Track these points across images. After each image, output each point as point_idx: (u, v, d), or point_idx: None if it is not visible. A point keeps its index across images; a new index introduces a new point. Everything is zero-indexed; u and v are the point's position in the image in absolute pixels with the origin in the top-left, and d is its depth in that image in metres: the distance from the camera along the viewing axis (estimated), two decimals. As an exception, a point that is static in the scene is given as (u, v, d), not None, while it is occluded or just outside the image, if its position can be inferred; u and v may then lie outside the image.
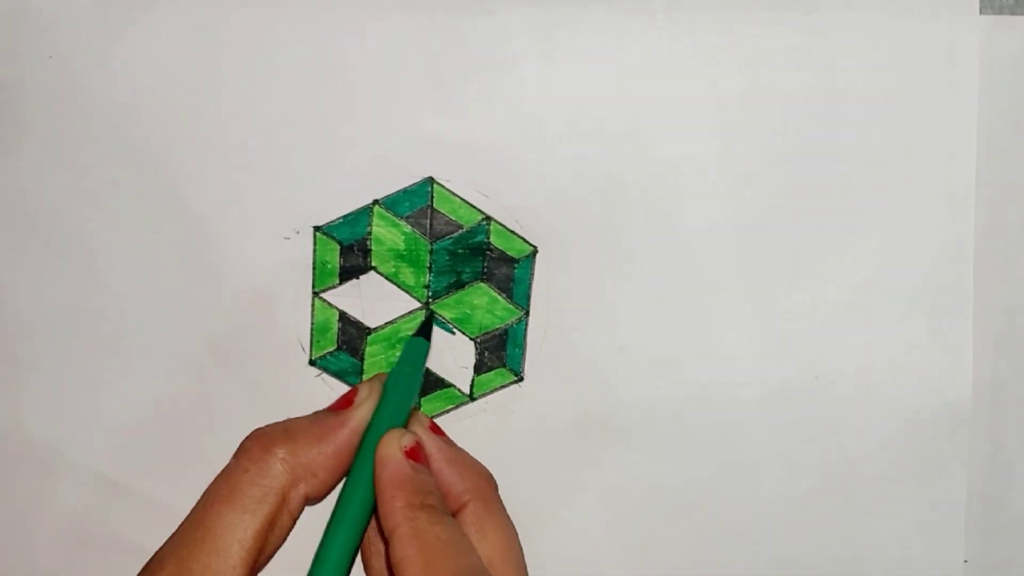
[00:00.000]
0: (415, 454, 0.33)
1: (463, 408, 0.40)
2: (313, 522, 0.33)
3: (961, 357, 0.39)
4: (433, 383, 0.40)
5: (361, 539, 0.33)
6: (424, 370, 0.38)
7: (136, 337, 0.40)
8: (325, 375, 0.40)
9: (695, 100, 0.38)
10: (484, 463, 0.36)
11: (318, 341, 0.40)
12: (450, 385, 0.40)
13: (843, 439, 0.39)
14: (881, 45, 0.38)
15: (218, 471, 0.33)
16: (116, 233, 0.39)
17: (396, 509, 0.31)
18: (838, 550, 0.39)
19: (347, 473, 0.34)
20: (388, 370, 0.39)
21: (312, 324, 0.39)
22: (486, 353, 0.39)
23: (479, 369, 0.40)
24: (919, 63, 0.38)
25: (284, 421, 0.34)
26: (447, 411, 0.40)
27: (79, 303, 0.40)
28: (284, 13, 0.38)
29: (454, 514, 0.34)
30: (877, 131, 0.38)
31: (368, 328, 0.40)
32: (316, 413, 0.35)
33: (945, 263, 0.39)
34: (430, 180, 0.39)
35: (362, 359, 0.40)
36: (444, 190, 0.39)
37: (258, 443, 0.33)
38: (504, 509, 0.34)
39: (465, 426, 0.39)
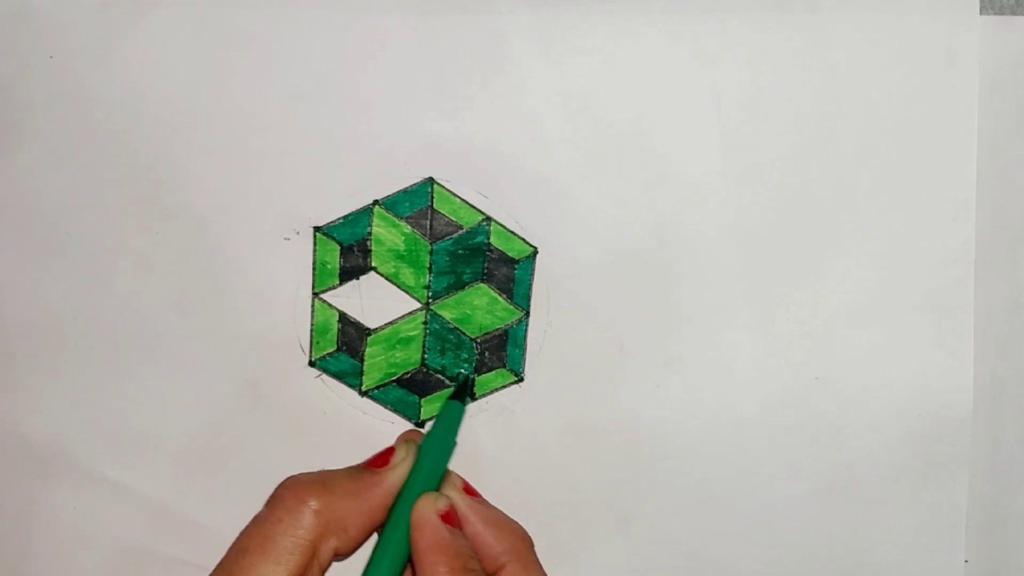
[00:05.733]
0: (450, 518, 0.33)
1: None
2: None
3: (962, 358, 0.39)
4: (434, 383, 0.39)
5: None
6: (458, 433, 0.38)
7: (136, 337, 0.40)
8: (325, 376, 0.40)
9: (695, 100, 0.38)
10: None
11: (318, 342, 0.40)
12: (451, 385, 0.39)
13: (844, 440, 0.39)
14: (881, 45, 0.38)
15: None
16: (116, 233, 0.39)
17: (441, 575, 0.31)
18: (839, 551, 0.39)
19: (378, 532, 0.34)
20: (389, 369, 0.39)
21: (312, 325, 0.39)
22: (486, 353, 0.39)
23: (479, 369, 0.39)
24: (919, 63, 0.38)
25: (320, 472, 0.34)
26: (447, 411, 0.40)
27: (79, 303, 0.40)
28: (284, 13, 0.38)
29: None
30: (877, 131, 0.38)
31: (368, 329, 0.39)
32: (351, 468, 0.35)
33: (946, 264, 0.39)
34: (430, 180, 0.39)
35: (362, 360, 0.40)
36: (444, 190, 0.39)
37: (292, 492, 0.33)
38: (541, 568, 0.34)
39: (465, 426, 0.39)
